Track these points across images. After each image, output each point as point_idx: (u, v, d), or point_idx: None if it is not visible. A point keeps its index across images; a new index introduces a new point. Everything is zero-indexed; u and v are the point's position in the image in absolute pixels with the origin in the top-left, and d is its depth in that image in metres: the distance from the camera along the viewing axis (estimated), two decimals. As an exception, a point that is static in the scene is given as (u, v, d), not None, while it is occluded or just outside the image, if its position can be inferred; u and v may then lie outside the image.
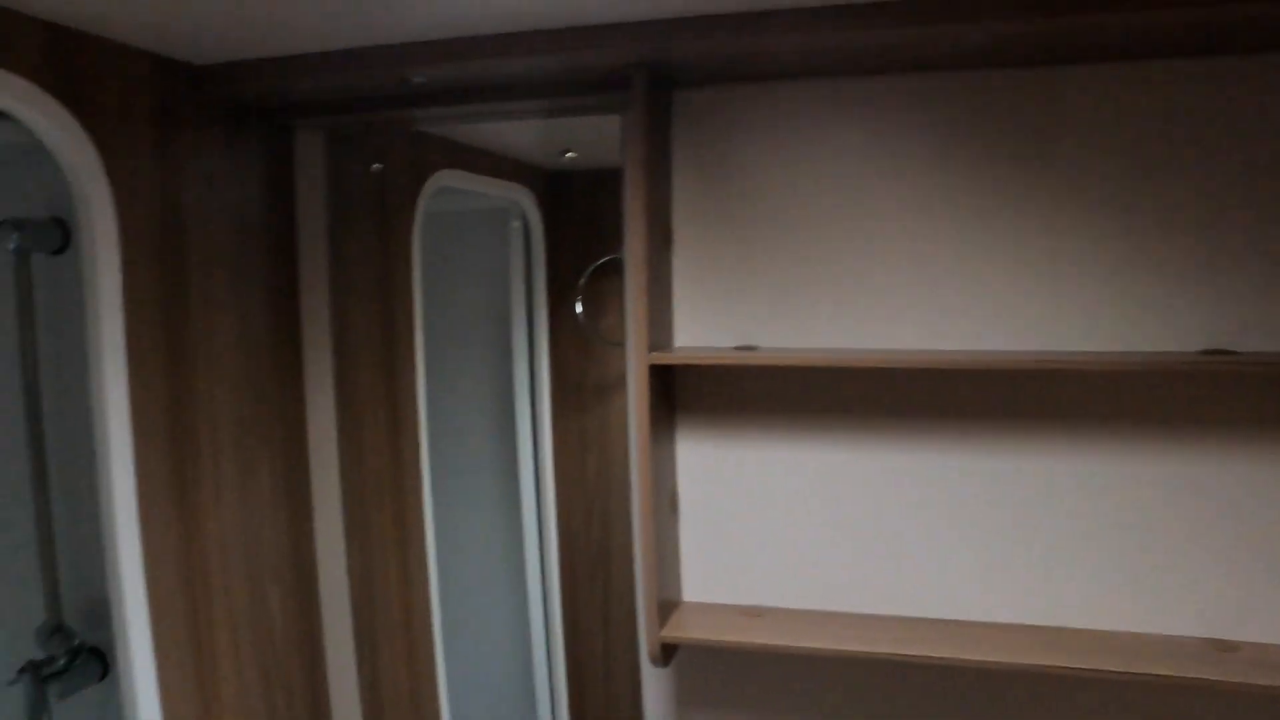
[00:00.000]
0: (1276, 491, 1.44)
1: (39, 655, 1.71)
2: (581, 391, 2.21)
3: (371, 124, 1.89)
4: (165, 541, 1.55)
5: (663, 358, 1.53)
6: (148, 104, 1.53)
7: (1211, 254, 1.44)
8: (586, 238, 2.21)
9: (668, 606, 1.61)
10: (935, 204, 1.54)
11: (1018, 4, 1.25)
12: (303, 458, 1.91)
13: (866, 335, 1.59)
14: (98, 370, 1.46)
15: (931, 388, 1.57)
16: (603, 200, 2.04)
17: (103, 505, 1.47)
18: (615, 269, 2.00)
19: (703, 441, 1.68)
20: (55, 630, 1.73)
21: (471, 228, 2.29)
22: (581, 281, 2.15)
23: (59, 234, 1.76)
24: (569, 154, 1.92)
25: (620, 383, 2.00)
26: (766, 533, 1.66)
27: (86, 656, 1.73)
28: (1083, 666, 1.39)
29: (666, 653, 1.54)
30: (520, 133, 1.99)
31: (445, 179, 2.09)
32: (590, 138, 1.91)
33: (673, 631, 1.54)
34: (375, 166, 1.98)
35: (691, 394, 1.68)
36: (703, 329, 1.67)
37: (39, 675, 1.65)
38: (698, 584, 1.70)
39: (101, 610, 1.76)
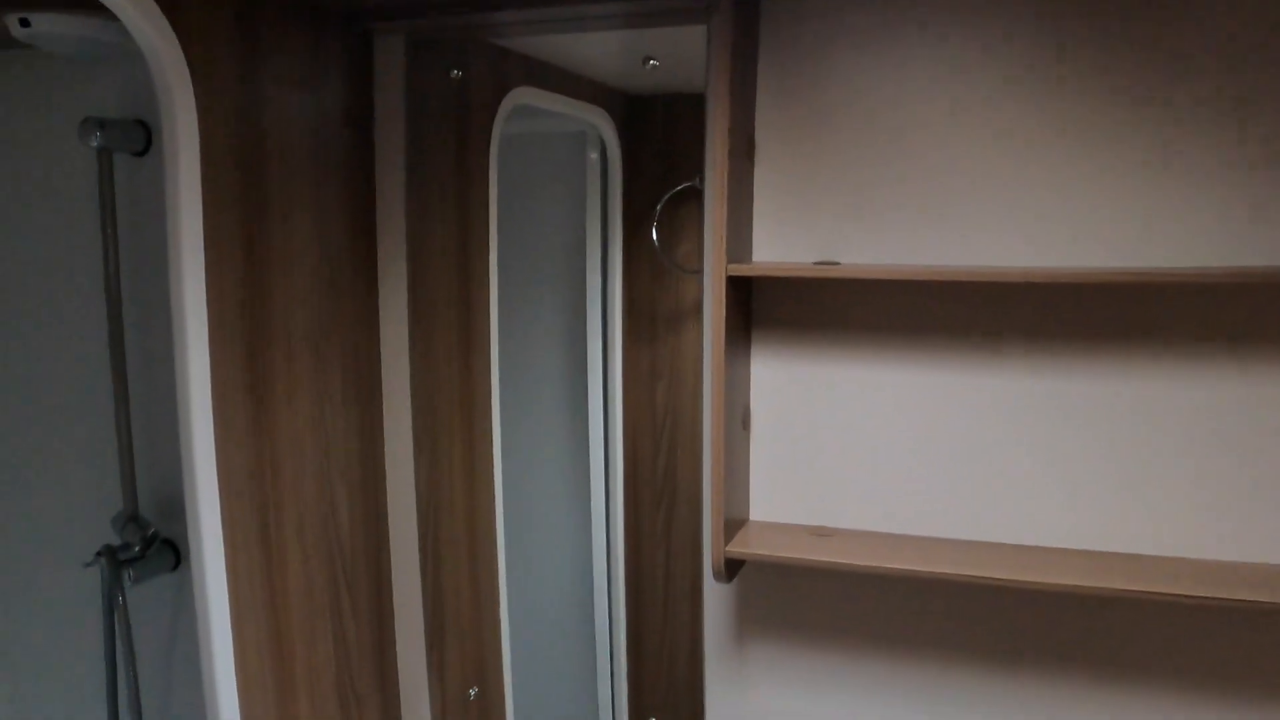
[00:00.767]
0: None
1: (116, 542, 1.76)
2: (654, 320, 2.18)
3: (451, 31, 1.87)
4: (238, 437, 1.56)
5: (741, 269, 1.49)
6: (231, 5, 1.53)
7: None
8: (664, 164, 2.17)
9: (734, 524, 1.58)
10: (1031, 114, 1.47)
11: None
12: (374, 365, 1.92)
13: (952, 252, 1.53)
14: (176, 269, 1.47)
15: (1017, 306, 1.51)
16: (682, 126, 1.99)
17: (179, 400, 1.49)
18: (693, 197, 1.96)
19: (778, 359, 1.65)
20: (131, 519, 1.78)
21: (548, 152, 2.27)
22: (658, 208, 2.12)
23: (142, 135, 1.79)
24: (651, 61, 1.88)
25: (693, 312, 1.96)
26: (839, 453, 1.63)
27: (160, 546, 1.77)
28: (1171, 591, 1.33)
29: (730, 568, 1.52)
30: (601, 46, 1.95)
31: (524, 96, 2.07)
32: (671, 53, 1.87)
33: (738, 547, 1.52)
34: (454, 73, 1.96)
35: (768, 310, 1.64)
36: (783, 245, 1.63)
37: (115, 559, 1.69)
38: (766, 504, 1.68)
39: (175, 504, 1.80)
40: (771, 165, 1.62)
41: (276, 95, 1.64)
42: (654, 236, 2.12)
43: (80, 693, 2.02)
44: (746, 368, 1.65)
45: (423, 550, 1.97)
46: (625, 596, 2.06)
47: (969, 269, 1.43)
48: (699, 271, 1.75)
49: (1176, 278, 1.33)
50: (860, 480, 1.62)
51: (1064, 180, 1.47)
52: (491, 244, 2.10)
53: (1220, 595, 1.30)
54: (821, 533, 1.59)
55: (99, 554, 1.70)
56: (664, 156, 2.18)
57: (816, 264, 1.54)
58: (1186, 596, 1.31)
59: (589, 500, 2.11)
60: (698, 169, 1.73)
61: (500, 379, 2.15)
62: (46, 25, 1.57)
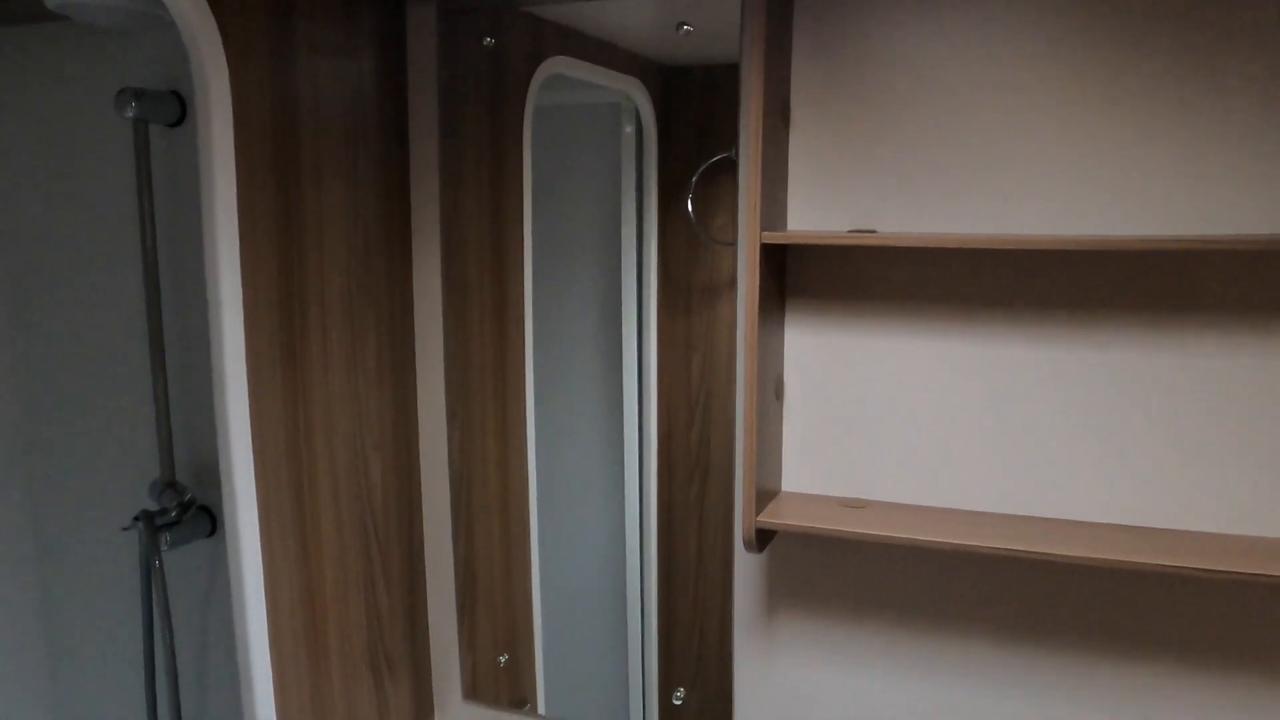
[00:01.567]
0: None
1: (153, 507, 1.78)
2: (689, 292, 2.17)
3: (485, -1, 1.86)
4: (272, 405, 1.57)
5: (775, 237, 1.47)
6: None
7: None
8: (700, 136, 2.15)
9: (766, 495, 1.57)
10: (1075, 78, 1.43)
11: None
12: (408, 334, 1.93)
13: (991, 220, 1.50)
14: (210, 239, 1.48)
15: (1058, 275, 1.47)
16: (718, 97, 1.96)
17: (214, 369, 1.51)
18: (729, 169, 1.93)
19: (813, 329, 1.62)
20: (168, 485, 1.80)
21: (583, 123, 2.25)
22: (694, 180, 2.10)
23: (176, 106, 1.80)
24: (685, 27, 1.86)
25: (729, 286, 1.95)
26: (873, 425, 1.60)
27: (196, 512, 1.80)
28: (1216, 568, 1.29)
29: (761, 539, 1.50)
30: (634, 11, 1.93)
31: (558, 65, 2.05)
32: (705, 18, 1.84)
33: (769, 518, 1.50)
34: (487, 40, 1.95)
35: (803, 279, 1.62)
36: (818, 213, 1.60)
37: (152, 524, 1.71)
38: (798, 475, 1.66)
39: (211, 471, 1.82)
40: (807, 132, 1.59)
41: (310, 65, 1.64)
42: (689, 209, 2.11)
43: (117, 653, 2.06)
44: (780, 338, 1.63)
45: (455, 519, 1.98)
46: (657, 568, 2.07)
47: (1009, 237, 1.40)
48: (734, 244, 1.73)
49: (1224, 245, 1.29)
50: (894, 452, 1.60)
51: (1107, 146, 1.43)
52: (526, 215, 2.10)
53: (1272, 572, 1.27)
54: (854, 504, 1.57)
55: (136, 519, 1.72)
56: (700, 128, 2.16)
57: (852, 232, 1.52)
58: (1232, 573, 1.28)
59: (622, 472, 2.11)
60: (734, 141, 1.70)
61: (534, 350, 2.15)
62: (80, -4, 1.58)
